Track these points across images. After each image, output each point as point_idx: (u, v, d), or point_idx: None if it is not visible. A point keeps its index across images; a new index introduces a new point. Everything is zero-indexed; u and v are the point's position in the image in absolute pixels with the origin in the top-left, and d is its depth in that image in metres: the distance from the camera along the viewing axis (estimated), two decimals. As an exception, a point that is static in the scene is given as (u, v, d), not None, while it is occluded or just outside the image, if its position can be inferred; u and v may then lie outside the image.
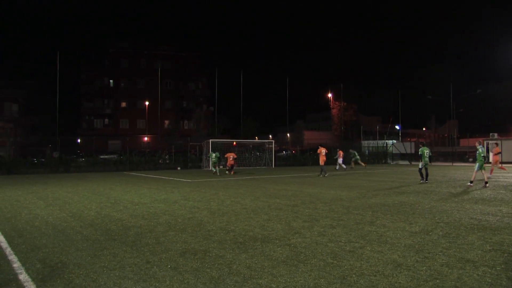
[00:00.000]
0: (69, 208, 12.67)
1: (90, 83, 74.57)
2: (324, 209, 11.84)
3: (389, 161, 52.36)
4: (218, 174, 28.93)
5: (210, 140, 37.59)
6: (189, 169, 38.88)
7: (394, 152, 54.16)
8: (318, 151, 27.26)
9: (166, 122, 68.71)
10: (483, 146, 18.66)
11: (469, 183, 18.47)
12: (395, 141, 58.50)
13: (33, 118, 61.04)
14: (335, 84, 71.96)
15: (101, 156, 42.16)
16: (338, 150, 35.81)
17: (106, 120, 76.00)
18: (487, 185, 17.88)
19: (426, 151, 20.45)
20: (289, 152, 56.37)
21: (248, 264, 6.30)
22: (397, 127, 69.72)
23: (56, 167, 34.96)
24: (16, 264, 6.44)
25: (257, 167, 40.18)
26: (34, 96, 67.23)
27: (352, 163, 35.53)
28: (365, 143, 57.60)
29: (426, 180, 20.50)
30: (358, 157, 35.28)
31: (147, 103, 69.56)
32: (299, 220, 10.00)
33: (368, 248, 7.16)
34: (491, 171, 24.47)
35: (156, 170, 35.69)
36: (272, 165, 41.10)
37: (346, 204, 12.89)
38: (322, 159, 26.74)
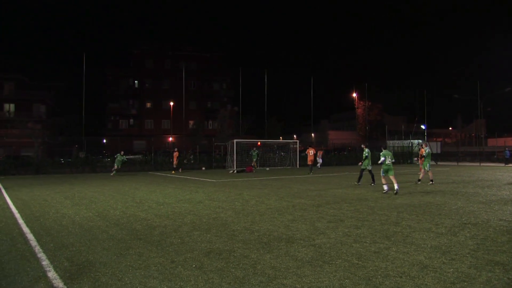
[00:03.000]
0: (95, 207, 12.86)
1: (116, 84, 75.35)
2: (349, 209, 11.78)
3: (414, 161, 51.69)
4: (112, 174, 29.98)
5: (235, 140, 37.58)
6: (213, 169, 39.01)
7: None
8: (307, 152, 30.56)
9: (191, 122, 68.94)
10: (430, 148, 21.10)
11: (430, 183, 19.95)
12: (420, 141, 57.69)
13: (60, 119, 62.01)
14: (360, 84, 71.36)
15: (126, 156, 42.58)
16: (318, 150, 40.86)
17: (131, 120, 76.77)
18: (423, 183, 20.15)
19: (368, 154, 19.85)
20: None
21: (273, 264, 6.30)
22: (422, 126, 68.82)
23: (82, 167, 35.42)
24: (45, 262, 6.58)
25: (282, 167, 40.11)
26: (61, 97, 68.34)
27: (254, 163, 36.39)
28: (390, 142, 56.93)
29: (359, 182, 19.90)
30: (256, 157, 37.21)
31: (171, 103, 69.91)
32: (324, 220, 9.97)
33: (393, 249, 7.10)
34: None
35: (181, 170, 35.88)
36: (296, 165, 40.92)
37: (371, 204, 12.80)
38: (310, 159, 29.64)
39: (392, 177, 15.73)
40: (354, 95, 74.08)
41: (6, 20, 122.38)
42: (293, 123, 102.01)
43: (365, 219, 10.03)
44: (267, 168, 37.05)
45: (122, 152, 31.27)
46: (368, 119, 72.15)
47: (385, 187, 15.72)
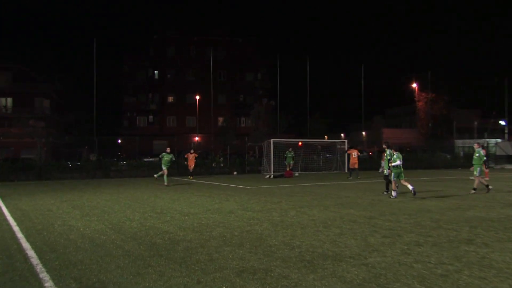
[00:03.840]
0: (109, 218, 13.03)
1: (132, 75, 76.30)
2: (408, 222, 11.63)
3: (491, 164, 50.54)
4: (166, 183, 25.38)
5: (272, 140, 37.60)
6: (247, 173, 39.09)
7: (498, 153, 51.98)
8: (349, 152, 31.33)
9: (220, 119, 69.23)
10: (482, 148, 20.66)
11: (472, 191, 19.39)
12: (499, 140, 56.46)
13: (67, 116, 62.93)
14: (421, 72, 70.19)
15: (145, 159, 42.99)
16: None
17: (151, 117, 77.65)
18: (490, 187, 19.46)
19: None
20: (364, 153, 55.62)
21: (317, 286, 6.27)
22: (502, 122, 67.30)
23: (94, 171, 35.89)
24: (48, 283, 6.66)
25: (327, 172, 39.93)
26: (69, 90, 69.35)
27: (290, 166, 36.08)
28: (459, 142, 55.89)
29: (387, 191, 19.20)
30: (291, 161, 36.37)
31: (197, 97, 70.29)
32: (378, 235, 9.87)
33: (465, 272, 6.94)
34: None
35: (209, 175, 36.08)
36: (344, 168, 40.60)
37: (436, 216, 12.60)
38: (352, 161, 30.43)
39: (403, 181, 17.71)
40: (414, 85, 73.10)
41: None
42: (340, 120, 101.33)
43: (429, 235, 9.87)
44: (297, 173, 36.60)
45: (169, 149, 26.96)
46: (431, 114, 70.99)
47: (394, 193, 17.28)
